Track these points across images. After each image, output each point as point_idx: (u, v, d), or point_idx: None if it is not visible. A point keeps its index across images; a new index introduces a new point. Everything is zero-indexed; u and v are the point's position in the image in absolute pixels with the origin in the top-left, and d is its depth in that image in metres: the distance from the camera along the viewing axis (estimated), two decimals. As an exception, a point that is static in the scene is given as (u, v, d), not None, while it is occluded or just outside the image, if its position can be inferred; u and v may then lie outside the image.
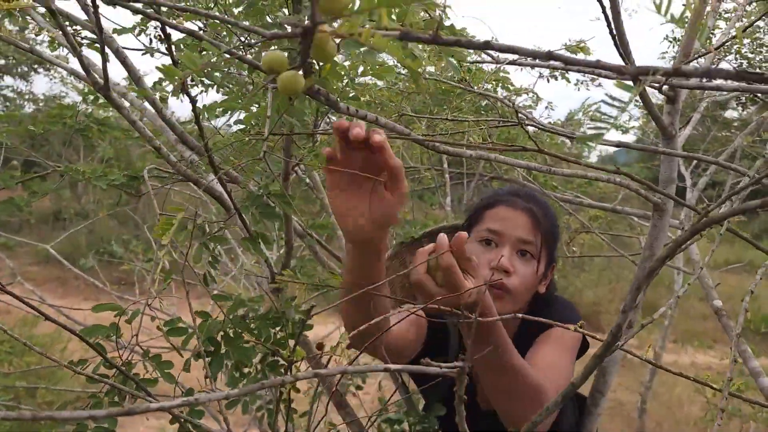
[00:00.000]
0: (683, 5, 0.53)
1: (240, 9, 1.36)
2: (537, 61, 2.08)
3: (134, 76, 1.34)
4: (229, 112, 1.54)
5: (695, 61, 2.42)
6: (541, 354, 1.23)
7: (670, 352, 6.37)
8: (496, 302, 1.11)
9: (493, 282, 1.20)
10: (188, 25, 1.75)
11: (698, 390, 3.41)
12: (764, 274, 1.31)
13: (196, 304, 1.27)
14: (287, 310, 1.29)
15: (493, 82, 2.24)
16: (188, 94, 1.08)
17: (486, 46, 0.54)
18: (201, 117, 1.55)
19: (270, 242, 1.33)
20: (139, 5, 1.09)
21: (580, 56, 2.54)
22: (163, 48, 1.88)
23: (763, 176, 0.94)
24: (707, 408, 3.22)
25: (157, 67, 1.13)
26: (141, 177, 1.38)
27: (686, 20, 0.54)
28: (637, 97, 1.56)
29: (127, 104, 1.58)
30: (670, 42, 3.21)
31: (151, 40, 1.82)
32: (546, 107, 4.87)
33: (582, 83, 4.22)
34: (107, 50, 1.45)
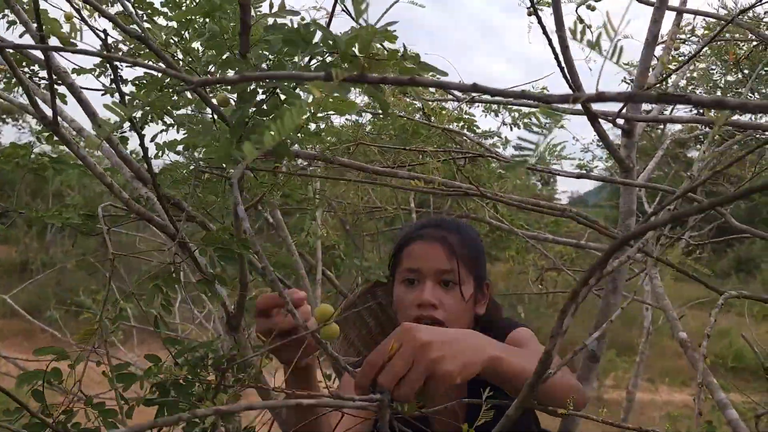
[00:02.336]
0: (601, 30, 0.54)
1: (199, 44, 1.36)
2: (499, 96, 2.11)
3: (89, 112, 1.32)
4: (189, 148, 1.53)
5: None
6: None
7: (646, 391, 6.35)
8: None
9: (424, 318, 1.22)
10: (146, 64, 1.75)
11: (673, 427, 3.39)
12: (721, 308, 1.32)
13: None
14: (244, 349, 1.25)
15: (457, 122, 2.27)
16: (136, 130, 1.06)
17: (411, 82, 0.54)
18: (160, 153, 1.53)
19: (226, 283, 1.30)
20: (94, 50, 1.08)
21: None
22: (123, 88, 1.88)
23: (686, 191, 0.95)
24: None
25: (104, 105, 1.12)
26: (96, 216, 1.35)
27: (601, 44, 0.55)
28: (597, 136, 1.59)
29: (82, 141, 1.56)
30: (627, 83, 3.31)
31: (111, 80, 1.82)
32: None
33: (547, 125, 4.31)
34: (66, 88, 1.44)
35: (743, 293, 1.07)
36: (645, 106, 2.49)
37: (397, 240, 1.40)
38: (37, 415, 0.93)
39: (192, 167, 1.42)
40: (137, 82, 1.54)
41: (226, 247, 1.19)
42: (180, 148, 1.52)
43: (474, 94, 1.95)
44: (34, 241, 13.85)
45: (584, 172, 1.54)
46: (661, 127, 4.57)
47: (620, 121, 1.61)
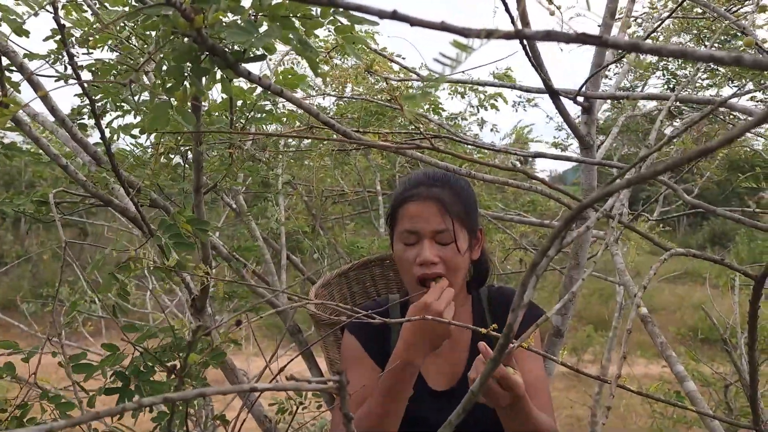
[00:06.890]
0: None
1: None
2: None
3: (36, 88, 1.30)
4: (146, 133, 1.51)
5: (607, 69, 2.48)
6: (523, 369, 1.27)
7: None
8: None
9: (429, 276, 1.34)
10: (98, 52, 1.72)
11: (645, 401, 3.46)
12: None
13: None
14: (208, 328, 1.24)
15: (425, 107, 2.26)
16: (88, 96, 1.04)
17: (330, 3, 0.52)
18: (116, 137, 1.51)
19: (186, 267, 1.28)
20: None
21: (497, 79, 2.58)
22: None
23: (643, 158, 0.96)
24: (654, 417, 3.26)
25: None
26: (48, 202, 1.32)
27: None
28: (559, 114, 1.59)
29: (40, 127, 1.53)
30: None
31: (65, 67, 1.78)
32: (491, 129, 5.04)
33: (519, 104, 4.32)
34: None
35: (690, 251, 1.09)
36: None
37: (393, 198, 1.47)
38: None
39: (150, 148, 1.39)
40: (92, 69, 1.51)
41: (180, 233, 1.18)
42: (136, 131, 1.50)
43: (436, 74, 1.93)
44: (9, 233, 13.63)
45: (540, 152, 1.54)
46: (631, 106, 4.59)
47: (580, 99, 1.61)
